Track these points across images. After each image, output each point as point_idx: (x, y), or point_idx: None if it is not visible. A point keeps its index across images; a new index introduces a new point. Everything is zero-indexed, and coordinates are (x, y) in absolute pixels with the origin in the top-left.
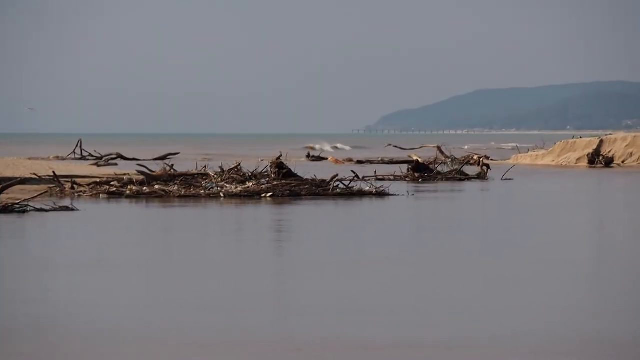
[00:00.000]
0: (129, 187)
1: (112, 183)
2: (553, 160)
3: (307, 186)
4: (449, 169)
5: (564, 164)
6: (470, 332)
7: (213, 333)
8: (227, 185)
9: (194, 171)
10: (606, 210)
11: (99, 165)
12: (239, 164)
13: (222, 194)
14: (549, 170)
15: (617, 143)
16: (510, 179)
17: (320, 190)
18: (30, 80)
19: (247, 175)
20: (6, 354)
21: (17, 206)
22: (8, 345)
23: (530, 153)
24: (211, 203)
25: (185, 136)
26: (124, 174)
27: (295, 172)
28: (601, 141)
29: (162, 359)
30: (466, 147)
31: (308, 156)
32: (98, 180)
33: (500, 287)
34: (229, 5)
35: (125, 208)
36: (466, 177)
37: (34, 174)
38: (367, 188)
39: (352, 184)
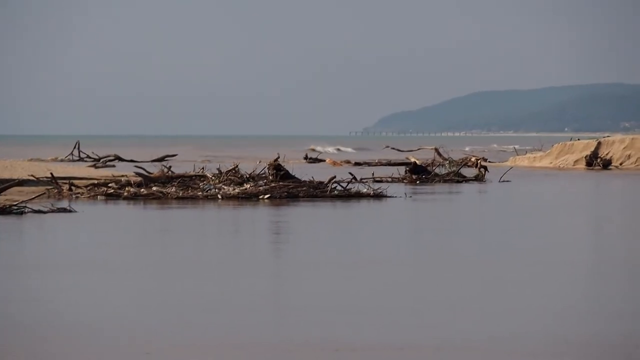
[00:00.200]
0: (126, 188)
1: (109, 185)
2: (551, 163)
3: (304, 188)
4: (446, 171)
5: (561, 166)
6: (467, 334)
7: (210, 334)
8: (225, 187)
9: (192, 173)
10: (604, 213)
11: (96, 167)
12: (237, 166)
13: (219, 196)
14: (547, 172)
15: (615, 145)
16: (507, 181)
17: (317, 192)
18: (30, 81)
19: (244, 177)
20: (2, 355)
21: (15, 208)
22: (3, 345)
23: (528, 155)
24: (209, 205)
25: (185, 138)
26: (122, 176)
27: (293, 174)
28: (599, 143)
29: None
30: (467, 149)
31: (306, 158)
32: (96, 181)
33: (498, 289)
34: (228, 7)
35: (122, 210)
36: (464, 179)
37: (32, 175)
38: (365, 190)
39: (350, 185)
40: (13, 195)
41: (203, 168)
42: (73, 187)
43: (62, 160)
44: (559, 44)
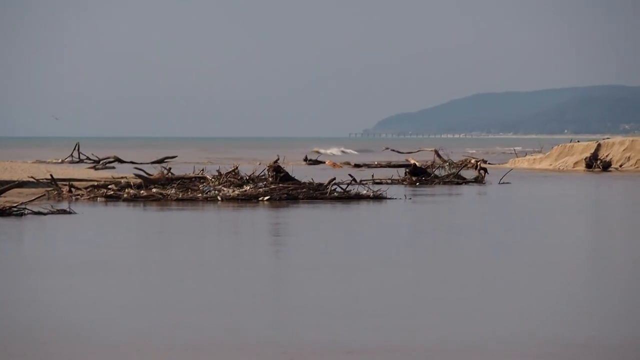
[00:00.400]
0: (126, 190)
1: (109, 186)
2: (550, 164)
3: (304, 190)
4: (446, 173)
5: (561, 168)
6: (467, 335)
7: (210, 335)
8: (225, 189)
9: (192, 174)
10: (603, 214)
11: (96, 169)
12: (237, 168)
13: (219, 198)
14: (547, 174)
15: (615, 147)
16: (507, 183)
17: (317, 193)
18: (30, 83)
19: (244, 178)
20: (2, 356)
21: (15, 209)
22: (3, 346)
23: (527, 157)
24: (208, 206)
25: (185, 140)
26: (122, 177)
27: (293, 176)
28: (599, 145)
29: None
30: (473, 151)
31: (305, 160)
32: (95, 183)
33: (498, 290)
34: (229, 9)
35: (122, 211)
36: (463, 181)
37: (32, 177)
38: (365, 192)
39: (350, 187)
40: (13, 197)
41: (203, 170)
42: (73, 189)
43: (62, 162)
44: (558, 46)
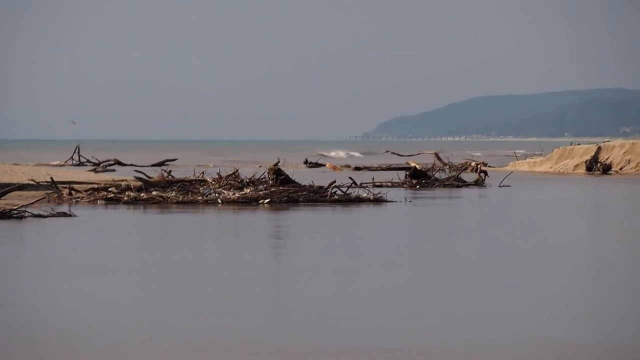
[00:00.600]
0: (126, 193)
1: (109, 189)
2: (551, 167)
3: (304, 192)
4: (446, 176)
5: (561, 170)
6: (464, 337)
7: (210, 337)
8: (225, 192)
9: (192, 177)
10: (603, 217)
11: (96, 172)
12: (237, 170)
13: (219, 200)
14: (547, 177)
15: (615, 150)
16: (507, 186)
17: (317, 196)
18: (29, 84)
19: (244, 181)
20: (2, 357)
21: (15, 212)
22: (3, 346)
23: (528, 160)
24: (209, 209)
25: (184, 142)
26: (122, 180)
27: (293, 179)
28: (599, 148)
29: None
30: (478, 154)
31: (306, 162)
32: (96, 186)
33: (497, 292)
34: (228, 13)
35: (122, 214)
36: (464, 184)
37: (32, 179)
38: (365, 194)
39: (350, 190)
40: (13, 200)
41: (203, 173)
42: (73, 192)
43: (62, 165)
44: (559, 49)
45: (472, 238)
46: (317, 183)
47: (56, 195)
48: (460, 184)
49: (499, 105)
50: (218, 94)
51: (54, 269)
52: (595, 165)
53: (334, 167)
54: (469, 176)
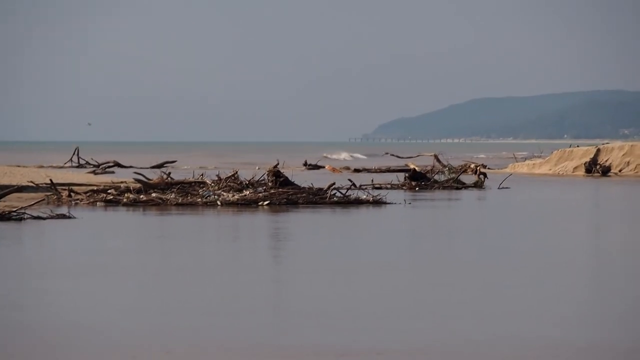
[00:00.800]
0: (126, 195)
1: (109, 191)
2: (550, 169)
3: (304, 194)
4: (445, 178)
5: (561, 172)
6: (463, 338)
7: (209, 338)
8: (224, 194)
9: (191, 179)
10: (602, 219)
11: (96, 173)
12: (236, 172)
13: (219, 202)
14: (546, 179)
15: (614, 152)
16: (507, 188)
17: (317, 198)
18: (30, 86)
19: (244, 183)
20: (1, 357)
21: (14, 214)
22: (3, 347)
23: (527, 162)
24: (208, 211)
25: (182, 144)
26: (121, 182)
27: (293, 181)
28: (598, 150)
29: None
30: (483, 155)
31: (305, 164)
32: (95, 188)
33: (497, 294)
34: (228, 13)
35: (122, 216)
36: (463, 186)
37: (31, 181)
38: (364, 196)
39: (349, 192)
40: (12, 202)
41: (202, 174)
42: (72, 194)
43: (61, 167)
44: (558, 51)
45: (472, 240)
46: (317, 185)
47: (55, 197)
48: (460, 186)
49: (498, 107)
50: (217, 95)
51: (54, 271)
52: (595, 167)
53: (333, 169)
54: (468, 178)
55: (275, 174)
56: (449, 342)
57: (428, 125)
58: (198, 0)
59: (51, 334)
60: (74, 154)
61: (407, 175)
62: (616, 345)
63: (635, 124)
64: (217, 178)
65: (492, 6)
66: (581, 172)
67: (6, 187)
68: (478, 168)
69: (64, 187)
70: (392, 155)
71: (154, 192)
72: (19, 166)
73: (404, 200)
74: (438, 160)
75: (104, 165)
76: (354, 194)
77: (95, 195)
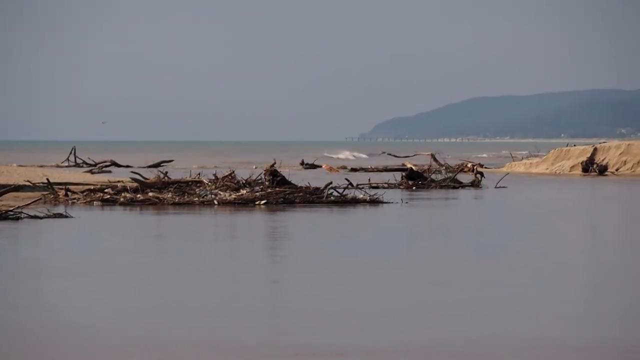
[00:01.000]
0: (122, 194)
1: (106, 190)
2: (547, 168)
3: (301, 194)
4: (442, 177)
5: (557, 172)
6: (461, 337)
7: (207, 338)
8: (221, 193)
9: (188, 179)
10: (599, 218)
11: (92, 173)
12: (233, 172)
13: (216, 202)
14: (543, 178)
15: (611, 151)
16: (503, 187)
17: (314, 197)
18: (29, 85)
19: (241, 182)
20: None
21: (11, 213)
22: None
23: (524, 161)
24: (205, 210)
25: (180, 144)
26: (118, 181)
27: (290, 180)
28: (595, 149)
29: None
30: (485, 155)
31: (302, 164)
32: (92, 187)
33: (494, 293)
34: (227, 13)
35: (119, 215)
36: (460, 185)
37: (28, 181)
38: (361, 196)
39: (346, 191)
40: (9, 201)
41: (199, 174)
42: (69, 193)
43: (58, 166)
44: (555, 50)
45: (469, 239)
46: (314, 184)
47: (52, 196)
48: (457, 185)
49: (495, 106)
50: (215, 95)
51: (50, 270)
52: (592, 167)
53: (330, 169)
54: (465, 177)
55: (272, 173)
56: (448, 341)
57: (425, 124)
58: (198, 0)
59: (47, 334)
60: (70, 153)
61: (404, 174)
62: (615, 345)
63: (632, 123)
64: (214, 177)
65: (489, 6)
66: (578, 171)
67: (3, 186)
68: (475, 167)
69: (61, 187)
70: (389, 154)
71: (151, 191)
72: (16, 165)
73: (401, 199)
74: (435, 160)
75: (100, 165)
76: (351, 193)
77: (92, 194)
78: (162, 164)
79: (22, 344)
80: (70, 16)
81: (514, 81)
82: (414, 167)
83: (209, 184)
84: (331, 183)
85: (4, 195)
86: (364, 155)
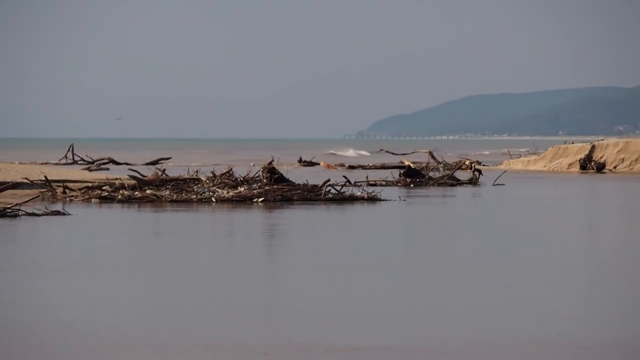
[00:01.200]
0: (120, 191)
1: (103, 187)
2: (545, 166)
3: (298, 191)
4: (440, 175)
5: (555, 169)
6: (461, 336)
7: (205, 336)
8: (219, 190)
9: (186, 176)
10: (596, 216)
11: (90, 170)
12: (231, 169)
13: (213, 199)
14: (541, 176)
15: (609, 149)
16: (501, 184)
17: (312, 195)
18: (28, 85)
19: (238, 180)
20: None
21: (9, 210)
22: None
23: (522, 158)
24: (203, 208)
25: (178, 141)
26: (116, 179)
27: (287, 177)
28: (593, 147)
29: None
30: (487, 152)
31: (300, 161)
32: (90, 184)
33: (492, 291)
34: (225, 11)
35: (117, 212)
36: (458, 183)
37: (26, 178)
38: (359, 193)
39: (344, 189)
40: (7, 198)
41: (197, 171)
42: (67, 190)
43: (56, 164)
44: (553, 48)
45: (466, 237)
46: (312, 182)
47: (50, 193)
48: (455, 182)
49: (493, 104)
50: (214, 93)
51: (48, 268)
52: (589, 164)
53: (328, 166)
54: (463, 175)
55: (270, 170)
56: (447, 340)
57: (423, 122)
58: None
59: (45, 333)
60: (68, 150)
61: (402, 172)
62: (615, 343)
63: (630, 120)
64: (211, 175)
65: (487, 3)
66: (576, 168)
67: (1, 183)
68: (473, 165)
69: (58, 184)
70: (387, 152)
71: (149, 188)
72: (18, 163)
73: (399, 196)
74: (433, 157)
75: (98, 162)
76: (348, 190)
77: (90, 191)
78: (159, 162)
79: (20, 343)
80: (70, 15)
81: (511, 79)
82: (412, 165)
83: (207, 181)
84: (329, 180)
85: (1, 193)
86: (367, 153)
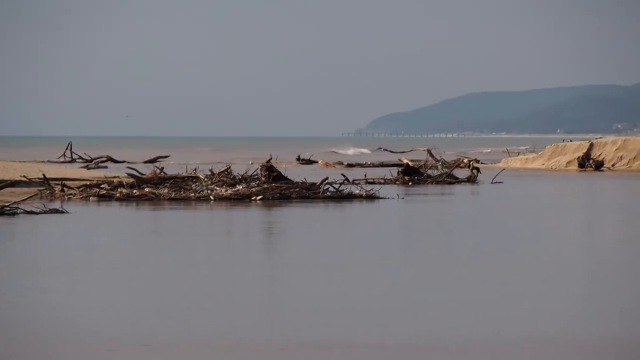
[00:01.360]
0: (119, 189)
1: (102, 186)
2: (543, 164)
3: (297, 189)
4: (439, 172)
5: (554, 167)
6: (456, 334)
7: (203, 334)
8: (217, 188)
9: (184, 174)
10: (595, 214)
11: (89, 168)
12: (229, 167)
13: (212, 197)
14: (539, 174)
15: (607, 147)
16: (500, 182)
17: (310, 193)
18: (28, 83)
19: (237, 178)
20: None
21: (7, 209)
22: None
23: (520, 156)
24: (201, 206)
25: (175, 139)
26: (114, 177)
27: (286, 175)
28: (591, 145)
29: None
30: (489, 150)
31: (298, 159)
32: (88, 182)
33: (490, 289)
34: (223, 9)
35: (115, 211)
36: (456, 181)
37: (24, 176)
38: (357, 191)
39: (342, 187)
40: (5, 196)
41: (195, 169)
42: (65, 188)
43: (54, 162)
44: (552, 46)
45: (464, 234)
46: (310, 180)
47: (48, 191)
48: (453, 180)
49: (491, 102)
50: (208, 92)
51: (47, 266)
52: (588, 162)
53: (327, 164)
54: (461, 173)
55: (269, 168)
56: (445, 338)
57: (421, 120)
58: None
59: (44, 331)
60: (67, 148)
61: (400, 170)
62: (614, 342)
63: (629, 118)
64: (210, 173)
65: (485, 2)
66: (574, 166)
67: None
68: (471, 163)
69: (57, 182)
70: (386, 150)
71: (147, 187)
72: (19, 162)
73: (397, 195)
74: (431, 155)
75: (96, 160)
76: (347, 188)
77: (88, 190)
78: (158, 160)
79: (18, 341)
80: (70, 15)
81: (510, 77)
82: (410, 163)
83: (205, 179)
84: (327, 178)
85: (0, 191)
86: (368, 151)
